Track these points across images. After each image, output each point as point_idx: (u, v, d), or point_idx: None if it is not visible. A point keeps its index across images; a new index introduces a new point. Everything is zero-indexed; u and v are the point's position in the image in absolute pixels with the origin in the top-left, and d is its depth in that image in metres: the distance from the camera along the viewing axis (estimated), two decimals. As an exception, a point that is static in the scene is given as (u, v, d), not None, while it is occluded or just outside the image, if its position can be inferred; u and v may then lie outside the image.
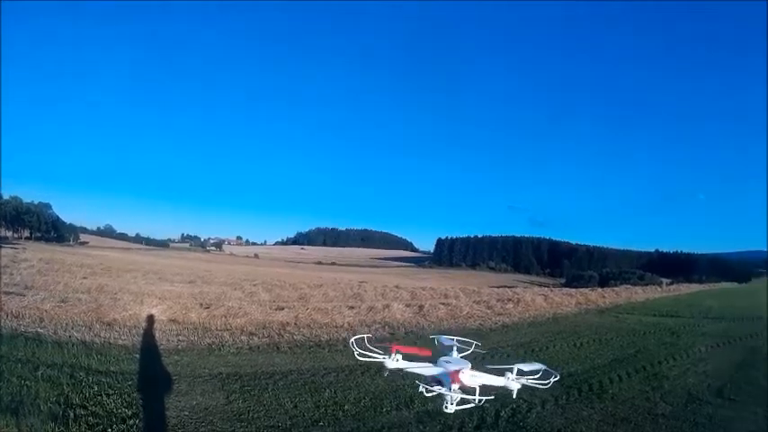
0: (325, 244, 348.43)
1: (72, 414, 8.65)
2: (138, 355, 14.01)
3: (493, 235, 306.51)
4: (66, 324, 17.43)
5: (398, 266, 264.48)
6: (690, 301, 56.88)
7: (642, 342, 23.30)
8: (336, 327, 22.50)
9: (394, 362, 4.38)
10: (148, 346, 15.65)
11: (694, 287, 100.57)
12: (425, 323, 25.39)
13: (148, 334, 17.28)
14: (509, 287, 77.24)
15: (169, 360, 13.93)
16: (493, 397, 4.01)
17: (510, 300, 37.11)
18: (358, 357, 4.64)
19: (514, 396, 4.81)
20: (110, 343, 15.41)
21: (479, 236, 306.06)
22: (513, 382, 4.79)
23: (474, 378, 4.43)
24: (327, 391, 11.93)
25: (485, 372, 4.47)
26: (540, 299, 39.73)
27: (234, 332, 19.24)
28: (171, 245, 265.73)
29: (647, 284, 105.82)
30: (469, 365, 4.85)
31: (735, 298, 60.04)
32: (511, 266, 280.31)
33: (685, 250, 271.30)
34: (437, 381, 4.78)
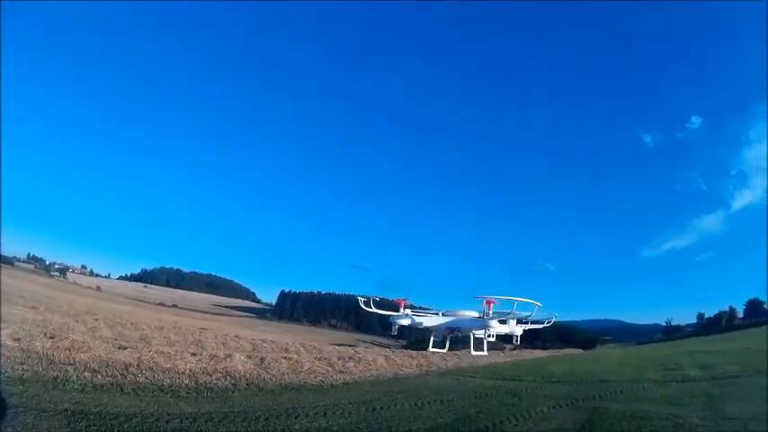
0: (168, 284, 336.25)
1: None
2: (-20, 383, 13.60)
3: (336, 292, 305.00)
4: None
5: (240, 316, 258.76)
6: (532, 366, 57.99)
7: (484, 403, 23.59)
8: (178, 372, 22.12)
9: (404, 317, 4.86)
10: (-6, 373, 15.20)
11: (537, 353, 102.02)
12: (267, 376, 25.29)
13: (-7, 360, 16.76)
14: (350, 345, 77.59)
15: (14, 390, 13.62)
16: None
17: (351, 358, 37.37)
18: (367, 309, 5.05)
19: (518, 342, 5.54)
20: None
21: (323, 292, 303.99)
22: (516, 328, 5.83)
23: (500, 325, 5.22)
24: (171, 438, 11.96)
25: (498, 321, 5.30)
26: (381, 359, 40.12)
27: (78, 367, 18.73)
28: (16, 263, 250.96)
29: (489, 349, 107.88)
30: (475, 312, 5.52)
31: (578, 363, 61.45)
32: (353, 325, 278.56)
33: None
34: (450, 328, 5.38)
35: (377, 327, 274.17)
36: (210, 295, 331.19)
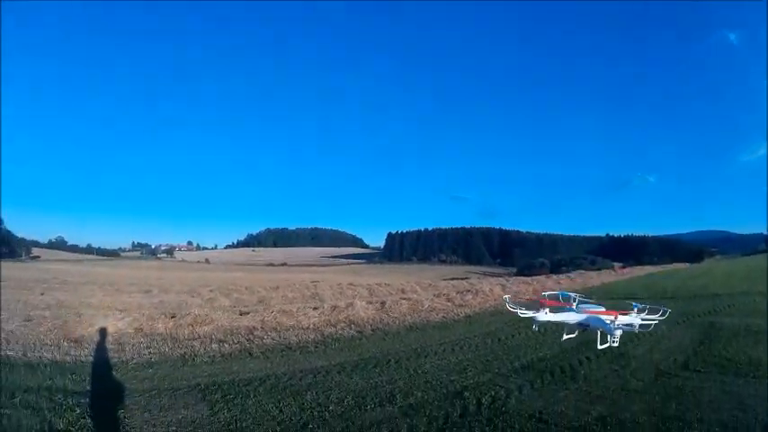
0: (275, 245, 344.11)
1: (59, 441, 8.22)
2: (112, 372, 13.58)
3: (442, 227, 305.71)
4: (34, 344, 16.73)
5: (349, 263, 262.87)
6: (644, 282, 57.98)
7: None
8: (303, 328, 22.18)
9: (544, 315, 5.41)
10: (121, 361, 15.20)
11: (647, 269, 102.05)
12: (389, 319, 25.25)
13: (118, 349, 16.82)
14: (462, 279, 77.54)
15: (144, 374, 13.53)
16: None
17: (468, 291, 37.16)
18: (513, 310, 5.50)
19: (636, 330, 7.62)
20: (81, 361, 14.87)
21: (429, 229, 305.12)
22: (636, 318, 7.78)
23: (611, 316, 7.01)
24: (309, 393, 11.71)
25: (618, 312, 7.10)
26: (497, 289, 39.97)
27: (203, 340, 18.80)
28: (122, 254, 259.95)
29: (599, 269, 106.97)
30: (603, 308, 5.88)
31: (688, 278, 60.91)
32: (462, 258, 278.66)
33: (636, 233, 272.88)
34: (582, 325, 5.85)
35: (486, 257, 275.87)
36: (317, 248, 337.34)
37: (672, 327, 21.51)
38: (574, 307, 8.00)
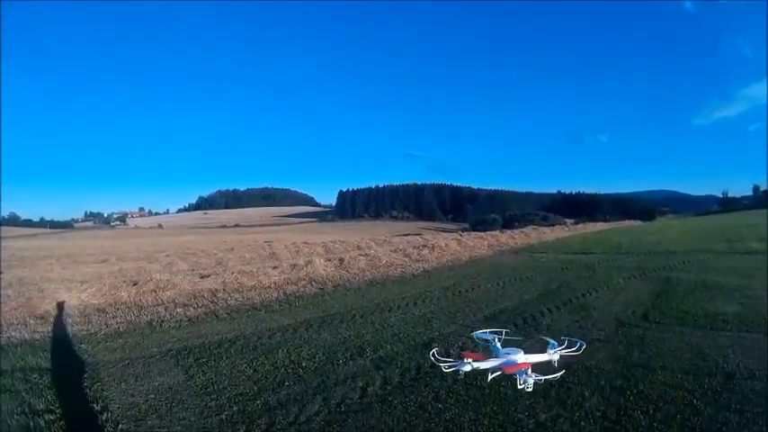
0: (227, 206, 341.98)
1: (42, 422, 8.17)
2: (83, 345, 13.46)
3: (394, 184, 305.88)
4: (1, 325, 16.51)
5: (301, 222, 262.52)
6: (598, 238, 59.12)
7: (562, 278, 24.09)
8: (265, 288, 22.43)
9: (468, 366, 5.56)
10: (89, 333, 15.08)
11: (600, 226, 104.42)
12: (349, 276, 25.56)
13: (85, 321, 16.71)
14: (415, 234, 77.95)
15: (114, 344, 13.49)
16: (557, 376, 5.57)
17: (425, 246, 37.81)
18: (442, 367, 5.46)
19: (556, 365, 6.19)
20: (50, 337, 14.65)
21: (380, 185, 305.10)
22: (554, 355, 6.26)
23: (528, 359, 5.83)
24: (280, 351, 11.87)
25: (532, 353, 5.97)
26: (453, 243, 40.56)
27: (168, 306, 18.83)
28: (75, 225, 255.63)
29: (551, 225, 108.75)
30: (522, 352, 5.85)
31: (642, 235, 62.20)
32: (414, 214, 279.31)
33: (587, 191, 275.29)
34: (500, 369, 5.68)
35: (437, 212, 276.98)
36: (269, 207, 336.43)
37: (629, 281, 22.21)
38: (494, 346, 7.99)
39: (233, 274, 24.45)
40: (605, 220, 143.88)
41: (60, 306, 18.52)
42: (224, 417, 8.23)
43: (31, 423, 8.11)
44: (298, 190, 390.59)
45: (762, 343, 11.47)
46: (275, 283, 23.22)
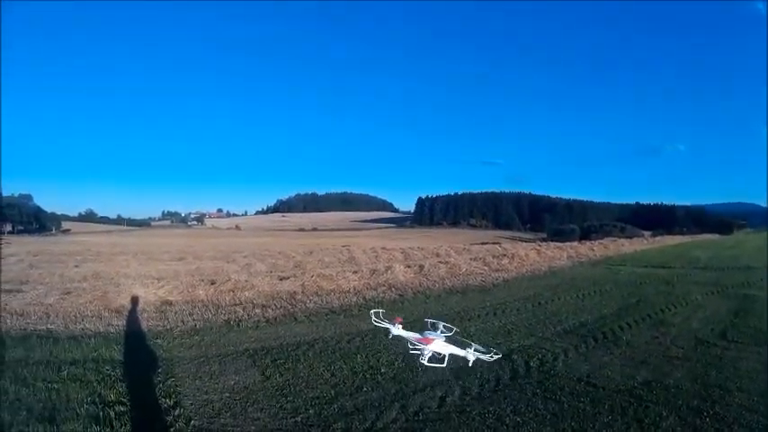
0: (305, 210, 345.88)
1: (112, 413, 8.07)
2: (158, 341, 13.50)
3: (473, 191, 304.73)
4: (75, 316, 16.62)
5: (379, 228, 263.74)
6: (676, 252, 58.02)
7: (640, 292, 23.53)
8: (344, 292, 22.29)
9: (397, 329, 7.37)
10: (165, 329, 15.15)
11: (677, 238, 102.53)
12: (428, 283, 25.27)
13: (161, 317, 16.79)
14: (494, 243, 77.43)
15: (191, 341, 13.47)
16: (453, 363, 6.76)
17: (504, 255, 37.47)
18: (374, 323, 7.35)
19: (470, 365, 7.76)
20: (124, 331, 14.80)
21: (459, 193, 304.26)
22: (470, 354, 7.69)
23: (445, 347, 7.48)
24: (359, 356, 11.67)
25: (453, 345, 7.45)
26: (533, 253, 40.14)
27: (245, 306, 18.83)
28: (152, 223, 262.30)
29: (629, 237, 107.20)
30: (443, 338, 7.30)
31: (720, 249, 61.30)
32: (491, 223, 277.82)
33: (666, 202, 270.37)
34: (418, 341, 7.40)
35: (515, 221, 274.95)
36: (347, 212, 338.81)
37: (707, 297, 21.64)
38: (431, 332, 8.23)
39: (312, 276, 24.40)
40: (683, 233, 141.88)
41: (136, 301, 18.68)
42: (299, 419, 8.09)
43: (101, 413, 8.05)
44: (376, 195, 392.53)
45: None
46: (354, 288, 23.05)
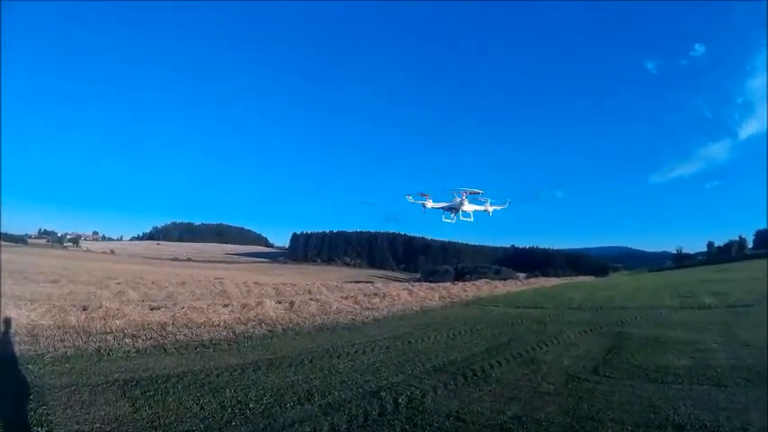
0: (180, 239, 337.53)
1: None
2: (30, 366, 13.18)
3: (348, 230, 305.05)
4: None
5: (253, 262, 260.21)
6: (551, 293, 59.12)
7: (512, 331, 24.03)
8: (214, 325, 22.15)
9: (430, 204, 18.91)
10: (36, 354, 14.77)
11: (553, 281, 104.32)
12: (299, 319, 25.44)
13: (32, 341, 16.36)
14: (367, 282, 78.08)
15: (62, 368, 13.22)
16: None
17: (376, 294, 37.70)
18: (409, 201, 18.51)
19: (490, 215, 21.90)
20: (-7, 351, 14.44)
21: (334, 231, 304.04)
22: (489, 207, 21.86)
23: (470, 207, 21.14)
24: (228, 390, 11.74)
25: (475, 204, 21.03)
26: (404, 293, 40.51)
27: (116, 335, 18.47)
28: (29, 240, 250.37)
29: (504, 278, 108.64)
30: (467, 200, 19.47)
31: (594, 290, 62.57)
32: (366, 261, 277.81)
33: (541, 246, 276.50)
34: (449, 209, 20.08)
35: (390, 261, 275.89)
36: (222, 245, 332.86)
37: (580, 336, 22.29)
38: (458, 202, 9.87)
39: (183, 308, 24.13)
40: (558, 276, 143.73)
41: (8, 322, 18.06)
42: (168, 453, 8.10)
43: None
44: (251, 229, 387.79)
45: (713, 395, 11.73)
46: (225, 322, 22.94)
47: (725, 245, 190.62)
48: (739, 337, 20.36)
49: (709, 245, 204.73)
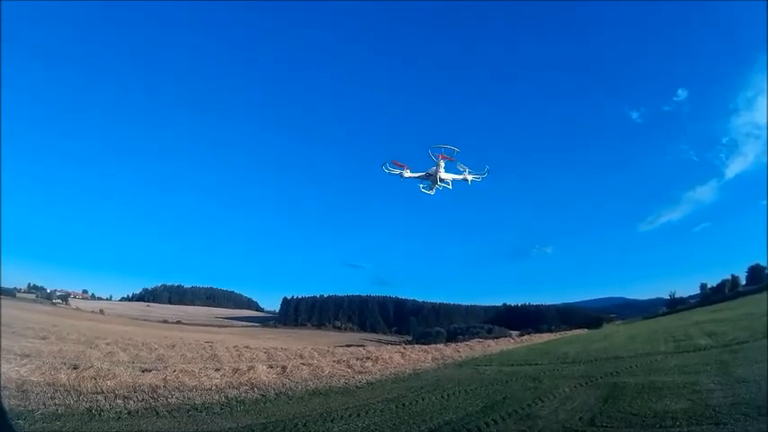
0: (170, 301, 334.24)
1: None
2: (20, 422, 13.14)
3: (338, 294, 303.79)
4: None
5: (244, 326, 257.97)
6: (545, 349, 58.32)
7: (507, 389, 23.87)
8: (206, 389, 21.94)
9: (407, 173, 18.34)
10: (27, 410, 14.73)
11: (546, 336, 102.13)
12: (291, 384, 25.14)
13: (22, 396, 16.31)
14: (359, 345, 77.59)
15: (52, 427, 13.20)
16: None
17: (368, 358, 37.37)
18: (385, 171, 18.09)
19: (469, 183, 22.10)
20: (-17, 407, 14.38)
21: (324, 295, 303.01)
22: (468, 176, 21.98)
23: (447, 175, 20.71)
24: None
25: (452, 173, 20.17)
26: (396, 356, 40.20)
27: (107, 395, 18.37)
28: (17, 294, 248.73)
29: (497, 337, 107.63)
30: (444, 170, 18.27)
31: (589, 343, 61.46)
32: (357, 325, 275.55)
33: (533, 302, 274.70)
34: (427, 177, 18.51)
35: (381, 324, 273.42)
36: (212, 308, 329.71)
37: (575, 389, 22.16)
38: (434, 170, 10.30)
39: (174, 372, 24.04)
40: (551, 331, 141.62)
41: (-2, 376, 18.06)
42: None
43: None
44: (242, 293, 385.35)
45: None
46: (217, 386, 22.76)
47: (718, 285, 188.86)
48: (736, 375, 20.44)
49: (702, 286, 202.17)
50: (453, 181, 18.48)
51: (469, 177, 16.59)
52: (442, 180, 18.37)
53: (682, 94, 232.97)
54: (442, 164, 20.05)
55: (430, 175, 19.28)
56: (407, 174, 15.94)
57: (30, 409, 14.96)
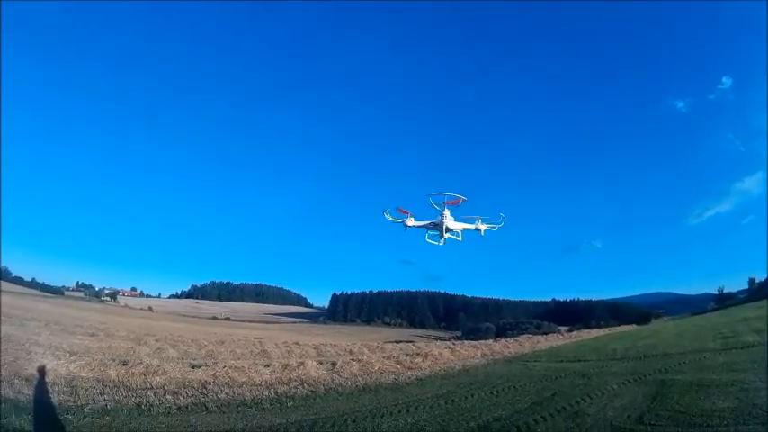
0: (219, 298, 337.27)
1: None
2: (69, 416, 13.14)
3: (388, 290, 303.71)
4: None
5: (293, 322, 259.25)
6: (593, 345, 57.55)
7: (556, 386, 23.60)
8: (256, 385, 21.91)
9: (411, 222, 16.12)
10: (76, 405, 14.76)
11: (594, 332, 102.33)
12: (341, 380, 25.03)
13: (71, 392, 16.35)
14: (408, 341, 77.41)
15: (101, 421, 13.16)
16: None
17: (418, 354, 37.10)
18: (389, 220, 16.03)
19: (482, 234, 17.87)
20: (35, 401, 14.35)
21: (374, 291, 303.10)
22: (480, 226, 17.93)
23: (456, 224, 16.92)
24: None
25: (462, 222, 16.60)
26: (446, 352, 39.91)
27: (157, 391, 18.41)
28: (66, 292, 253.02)
29: (545, 333, 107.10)
30: (453, 219, 15.82)
31: (637, 339, 60.67)
32: (406, 321, 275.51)
33: (582, 297, 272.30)
34: (433, 227, 16.61)
35: (430, 320, 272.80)
36: (261, 304, 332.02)
37: (624, 386, 21.84)
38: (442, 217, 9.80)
39: (224, 367, 24.06)
40: (600, 327, 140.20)
41: (47, 372, 18.14)
42: None
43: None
44: (290, 289, 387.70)
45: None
46: (266, 382, 22.73)
47: (766, 279, 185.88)
48: (783, 374, 19.71)
49: (751, 281, 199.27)
50: (464, 231, 17.00)
51: (482, 227, 14.97)
52: (449, 230, 16.82)
53: (726, 81, 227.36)
54: (447, 213, 18.17)
55: (436, 224, 17.62)
56: (411, 222, 14.54)
57: (79, 404, 15.00)
